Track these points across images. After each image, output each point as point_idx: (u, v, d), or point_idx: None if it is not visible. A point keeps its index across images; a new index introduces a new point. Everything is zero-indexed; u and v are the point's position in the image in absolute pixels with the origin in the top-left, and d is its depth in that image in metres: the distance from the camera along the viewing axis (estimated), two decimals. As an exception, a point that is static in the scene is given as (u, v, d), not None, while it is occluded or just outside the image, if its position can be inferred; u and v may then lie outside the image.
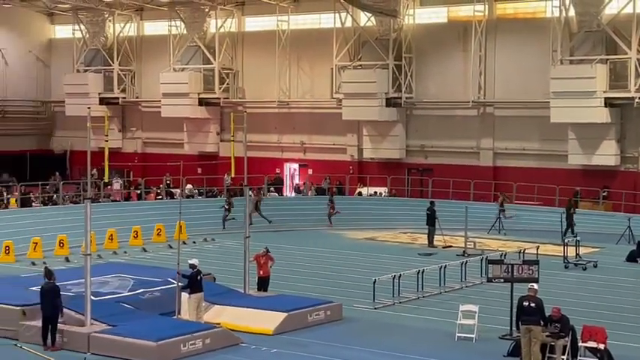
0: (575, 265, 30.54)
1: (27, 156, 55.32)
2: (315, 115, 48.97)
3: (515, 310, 19.37)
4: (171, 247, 33.54)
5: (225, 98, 50.92)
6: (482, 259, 27.58)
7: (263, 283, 24.61)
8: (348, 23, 46.69)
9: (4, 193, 43.28)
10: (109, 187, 46.83)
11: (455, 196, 42.61)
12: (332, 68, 47.14)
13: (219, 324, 21.25)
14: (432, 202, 36.36)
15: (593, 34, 40.49)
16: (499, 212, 38.18)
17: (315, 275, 28.89)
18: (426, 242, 35.29)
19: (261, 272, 24.54)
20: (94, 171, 43.63)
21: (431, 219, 35.31)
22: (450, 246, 34.67)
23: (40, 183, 44.73)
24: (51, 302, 19.86)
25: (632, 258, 32.09)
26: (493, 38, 43.99)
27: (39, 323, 20.08)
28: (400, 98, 45.72)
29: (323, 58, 47.83)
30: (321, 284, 27.12)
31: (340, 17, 46.59)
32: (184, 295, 21.78)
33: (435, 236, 35.24)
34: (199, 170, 48.86)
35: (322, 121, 48.56)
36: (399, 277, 25.35)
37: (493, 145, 44.36)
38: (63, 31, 58.30)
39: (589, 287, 27.34)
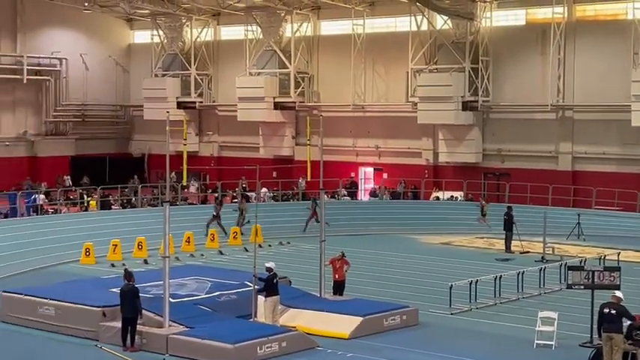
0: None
1: (106, 159, 56.31)
2: (390, 118, 48.78)
3: (596, 317, 19.05)
4: (247, 250, 33.79)
5: (300, 102, 51.06)
6: (561, 265, 27.22)
7: (338, 287, 24.62)
8: (424, 26, 46.44)
9: (85, 196, 44.11)
10: (185, 189, 47.37)
11: (532, 201, 42.04)
12: (407, 72, 46.91)
13: (295, 327, 21.34)
14: (509, 207, 35.98)
15: (675, 35, 39.67)
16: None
17: (391, 280, 28.77)
18: (503, 248, 34.91)
19: (337, 276, 24.57)
20: (173, 174, 44.18)
21: (508, 224, 34.96)
22: (528, 252, 34.21)
23: (119, 186, 45.47)
24: (130, 304, 20.17)
25: None
26: (572, 41, 43.28)
27: (119, 324, 20.42)
28: (477, 102, 45.29)
29: (398, 61, 47.65)
30: (396, 289, 27.02)
31: (416, 20, 46.36)
32: (260, 298, 21.92)
33: (513, 242, 34.85)
34: (274, 174, 49.10)
35: (397, 125, 48.33)
36: (476, 282, 25.11)
37: (572, 149, 43.65)
38: (142, 36, 59.20)
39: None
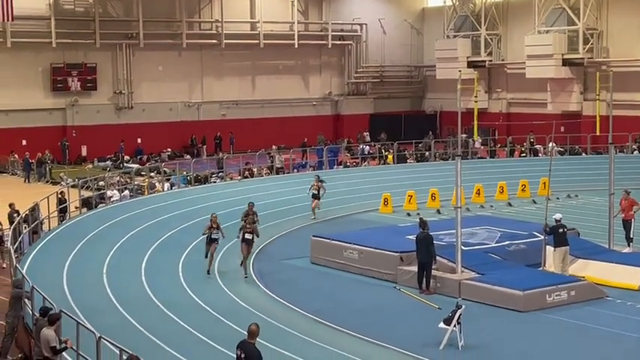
0: None
1: (401, 117, 57.22)
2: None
3: None
4: (535, 203, 33.09)
5: (589, 58, 49.00)
6: None
7: (625, 226, 23.93)
8: None
9: (382, 151, 45.16)
10: (479, 147, 47.10)
11: None
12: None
13: (583, 277, 20.72)
14: None
15: None
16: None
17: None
18: None
19: (624, 216, 23.94)
20: (465, 132, 44.06)
21: None
22: None
23: (413, 141, 46.03)
24: (425, 250, 20.48)
25: None
26: None
27: (414, 268, 20.82)
28: None
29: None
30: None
31: None
32: (549, 249, 21.49)
33: None
34: (562, 129, 47.57)
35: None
36: None
37: None
38: (435, 0, 59.22)
39: None
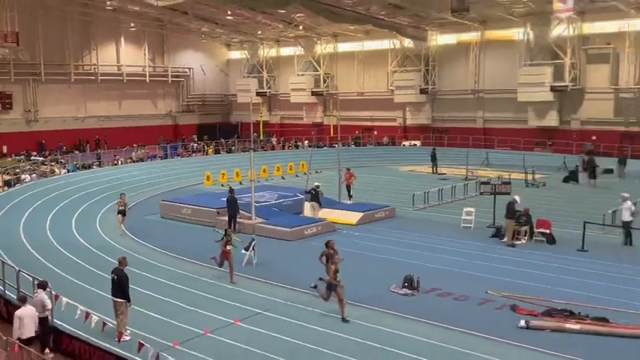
0: (532, 185, 29.60)
1: (217, 126, 56.22)
2: (378, 99, 48.12)
3: (499, 211, 18.96)
4: (297, 176, 33.79)
5: (327, 91, 50.49)
6: (476, 182, 27.00)
7: (347, 189, 25.00)
8: (398, 45, 45.58)
9: (205, 146, 44.21)
10: (267, 143, 47.15)
11: (461, 145, 41.41)
12: (387, 72, 46.18)
13: (325, 219, 21.48)
14: (434, 148, 36.08)
15: None
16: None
17: (380, 191, 28.65)
18: (440, 173, 34.58)
19: (346, 183, 25.10)
20: (255, 134, 44.07)
21: (433, 158, 34.99)
22: (445, 173, 33.87)
23: (224, 140, 45.38)
24: (233, 206, 20.38)
25: (566, 180, 30.93)
26: (484, 52, 42.27)
27: (226, 218, 20.63)
28: (428, 89, 44.58)
29: (381, 66, 46.84)
30: (382, 196, 26.91)
31: (393, 42, 45.46)
32: (307, 203, 22.06)
33: (438, 168, 34.68)
34: (313, 132, 48.77)
35: (382, 103, 47.69)
36: (428, 192, 25.05)
37: (483, 115, 42.96)
38: (235, 54, 58.37)
39: (541, 197, 26.49)
